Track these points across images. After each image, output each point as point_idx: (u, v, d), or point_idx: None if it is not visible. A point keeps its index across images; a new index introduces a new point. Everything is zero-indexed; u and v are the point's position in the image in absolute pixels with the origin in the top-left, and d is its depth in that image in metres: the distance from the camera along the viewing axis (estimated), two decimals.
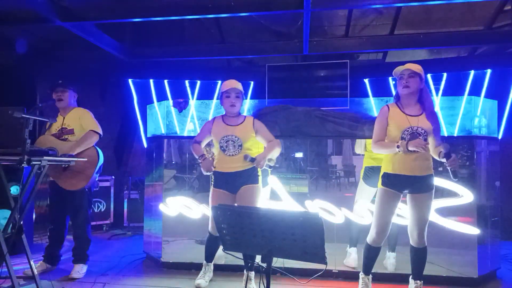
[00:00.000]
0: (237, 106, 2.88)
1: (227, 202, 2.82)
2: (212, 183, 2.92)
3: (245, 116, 2.97)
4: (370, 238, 2.68)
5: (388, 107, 2.66)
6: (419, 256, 2.63)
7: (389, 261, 3.22)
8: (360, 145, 3.45)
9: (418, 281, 2.64)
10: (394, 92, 2.80)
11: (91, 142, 3.17)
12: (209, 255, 3.02)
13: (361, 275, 2.76)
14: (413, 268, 2.67)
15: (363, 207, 3.22)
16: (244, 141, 2.83)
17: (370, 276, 2.76)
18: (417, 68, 2.55)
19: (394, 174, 2.58)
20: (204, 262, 3.03)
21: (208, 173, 2.87)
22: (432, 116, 2.56)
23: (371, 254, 2.70)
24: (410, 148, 2.44)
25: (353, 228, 3.33)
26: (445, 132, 3.59)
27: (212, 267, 3.05)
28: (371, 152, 3.16)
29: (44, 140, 3.17)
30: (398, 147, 2.47)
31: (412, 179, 2.55)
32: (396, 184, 2.59)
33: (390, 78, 5.18)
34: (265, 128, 2.93)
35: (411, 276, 2.69)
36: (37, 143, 3.13)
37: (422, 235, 2.59)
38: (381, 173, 2.67)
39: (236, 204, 2.83)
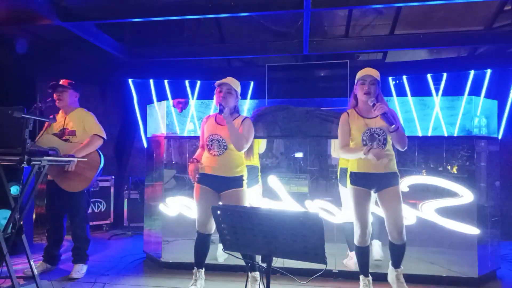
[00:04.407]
0: (228, 102, 2.73)
1: (212, 199, 2.77)
2: (197, 178, 2.84)
3: (238, 115, 2.87)
4: (355, 239, 2.75)
5: (348, 114, 2.79)
6: (398, 251, 2.68)
7: (374, 249, 3.24)
8: (334, 148, 3.46)
9: (399, 269, 2.70)
10: (350, 96, 2.93)
11: (95, 147, 3.17)
12: (200, 260, 2.85)
13: (361, 277, 2.78)
14: (392, 259, 2.73)
15: None
16: (228, 142, 2.74)
17: (370, 277, 2.77)
18: (377, 74, 2.69)
19: (360, 172, 2.69)
20: (195, 269, 2.85)
21: (194, 176, 2.81)
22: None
23: (362, 255, 2.75)
24: (369, 157, 2.57)
25: (346, 231, 3.33)
26: (445, 132, 3.59)
27: (203, 274, 2.87)
28: None
29: (47, 140, 3.16)
30: (365, 154, 2.59)
31: (376, 176, 2.65)
32: (362, 182, 2.68)
33: (390, 78, 5.18)
34: (248, 129, 2.79)
35: (390, 263, 2.74)
36: (39, 142, 3.12)
37: (401, 232, 2.63)
38: (348, 173, 2.78)
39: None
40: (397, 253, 2.68)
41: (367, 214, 2.69)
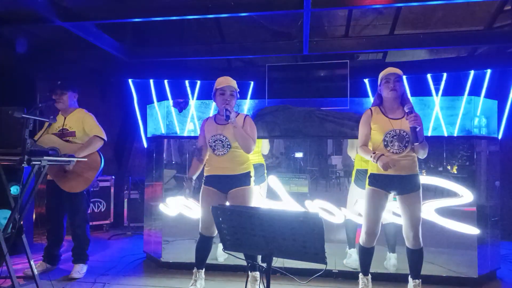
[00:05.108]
0: (230, 105, 2.73)
1: (218, 201, 2.75)
2: (203, 181, 2.85)
3: (238, 114, 2.83)
4: (361, 239, 2.73)
5: (371, 111, 2.74)
6: (416, 257, 2.66)
7: (390, 262, 3.22)
8: (352, 147, 3.45)
9: (417, 280, 2.66)
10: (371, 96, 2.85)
11: (95, 148, 3.17)
12: (201, 261, 2.84)
13: (360, 275, 2.78)
14: (410, 268, 2.70)
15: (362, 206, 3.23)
16: (232, 141, 2.73)
17: (369, 276, 2.77)
18: (401, 72, 2.65)
19: (380, 174, 2.64)
20: (195, 269, 2.85)
21: (187, 195, 2.89)
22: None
23: (365, 255, 2.74)
24: (378, 164, 2.53)
25: (349, 228, 3.33)
26: (445, 132, 3.59)
27: (203, 274, 2.87)
28: None
29: (47, 139, 3.16)
30: (374, 160, 2.58)
31: (397, 178, 2.61)
32: (382, 183, 2.64)
33: None
34: (252, 128, 2.79)
35: (409, 276, 2.71)
36: (40, 142, 3.11)
37: (417, 236, 2.61)
38: (368, 174, 2.75)
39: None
40: (415, 259, 2.66)
41: (379, 216, 2.66)
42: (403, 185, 2.61)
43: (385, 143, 2.62)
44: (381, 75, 2.70)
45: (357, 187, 3.29)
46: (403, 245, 2.76)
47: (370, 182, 2.70)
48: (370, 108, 2.77)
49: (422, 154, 2.62)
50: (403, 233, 2.68)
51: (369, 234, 2.67)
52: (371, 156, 2.59)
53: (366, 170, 2.87)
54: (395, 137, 2.59)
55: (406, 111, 2.55)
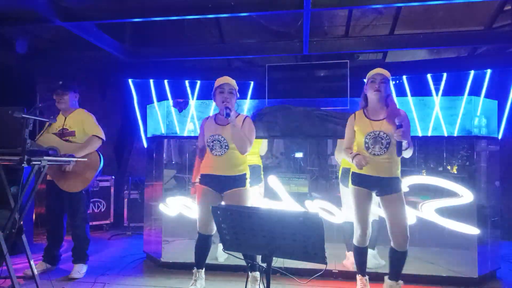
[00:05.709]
0: (230, 103, 2.72)
1: (214, 200, 2.74)
2: (198, 180, 2.86)
3: (238, 114, 2.84)
4: (355, 239, 2.73)
5: (355, 115, 2.77)
6: (399, 258, 2.61)
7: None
8: (340, 150, 3.45)
9: (400, 281, 2.62)
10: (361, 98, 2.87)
11: (94, 147, 3.18)
12: (200, 260, 2.83)
13: (358, 276, 2.78)
14: (391, 268, 2.66)
15: None
16: (230, 142, 2.72)
17: (367, 276, 2.77)
18: (388, 74, 2.65)
19: (360, 173, 2.67)
20: (195, 269, 2.83)
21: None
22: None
23: (360, 255, 2.74)
24: (354, 163, 2.60)
25: (346, 231, 3.33)
26: (445, 132, 3.59)
27: (203, 274, 2.85)
28: None
29: (47, 139, 3.16)
30: (351, 160, 2.65)
31: (376, 179, 2.61)
32: (363, 183, 2.66)
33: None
34: (250, 129, 2.78)
35: (387, 276, 2.66)
36: (39, 141, 3.12)
37: (405, 239, 2.57)
38: (350, 173, 2.77)
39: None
40: (397, 260, 2.61)
41: (367, 214, 2.67)
42: (382, 186, 2.61)
43: (366, 145, 2.63)
44: (368, 75, 2.71)
45: (343, 186, 3.31)
46: None
47: (353, 181, 2.73)
48: (354, 113, 2.79)
49: (406, 155, 2.61)
50: (390, 234, 2.63)
51: (361, 232, 2.67)
52: (350, 158, 2.65)
53: (349, 169, 2.87)
54: (374, 138, 2.60)
55: (396, 123, 2.49)
